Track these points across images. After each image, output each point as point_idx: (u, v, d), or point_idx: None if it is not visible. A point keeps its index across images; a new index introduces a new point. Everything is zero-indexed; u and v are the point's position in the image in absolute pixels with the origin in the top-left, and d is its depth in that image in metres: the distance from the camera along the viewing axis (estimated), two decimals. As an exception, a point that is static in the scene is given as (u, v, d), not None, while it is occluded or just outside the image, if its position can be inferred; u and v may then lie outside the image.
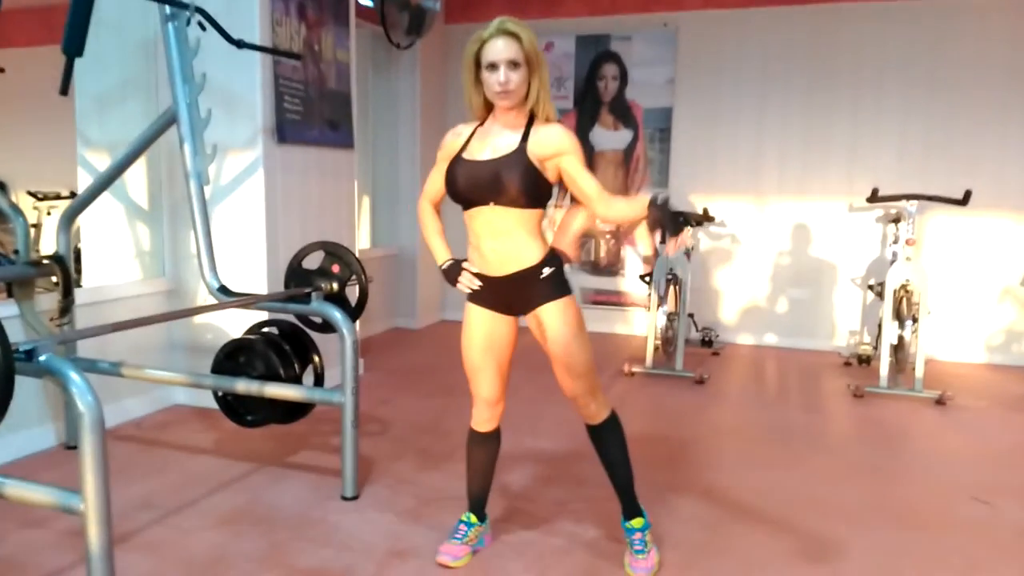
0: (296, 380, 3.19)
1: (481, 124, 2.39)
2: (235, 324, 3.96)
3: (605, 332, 6.45)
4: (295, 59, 4.12)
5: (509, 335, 2.47)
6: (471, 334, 2.47)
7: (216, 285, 3.24)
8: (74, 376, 1.96)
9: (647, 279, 5.48)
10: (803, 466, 3.54)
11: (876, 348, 5.14)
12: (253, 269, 4.07)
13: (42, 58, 4.76)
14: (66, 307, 3.41)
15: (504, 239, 2.32)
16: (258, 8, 3.91)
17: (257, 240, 4.08)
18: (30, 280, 3.34)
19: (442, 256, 2.50)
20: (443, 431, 3.93)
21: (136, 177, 4.21)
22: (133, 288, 4.05)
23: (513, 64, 2.21)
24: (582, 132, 6.34)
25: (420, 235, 6.44)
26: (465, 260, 2.46)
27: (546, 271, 2.35)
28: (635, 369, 5.10)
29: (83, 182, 4.16)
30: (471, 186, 2.31)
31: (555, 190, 2.36)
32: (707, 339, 5.98)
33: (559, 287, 2.36)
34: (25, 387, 2.92)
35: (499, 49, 2.21)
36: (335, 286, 3.31)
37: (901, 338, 4.72)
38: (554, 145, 2.27)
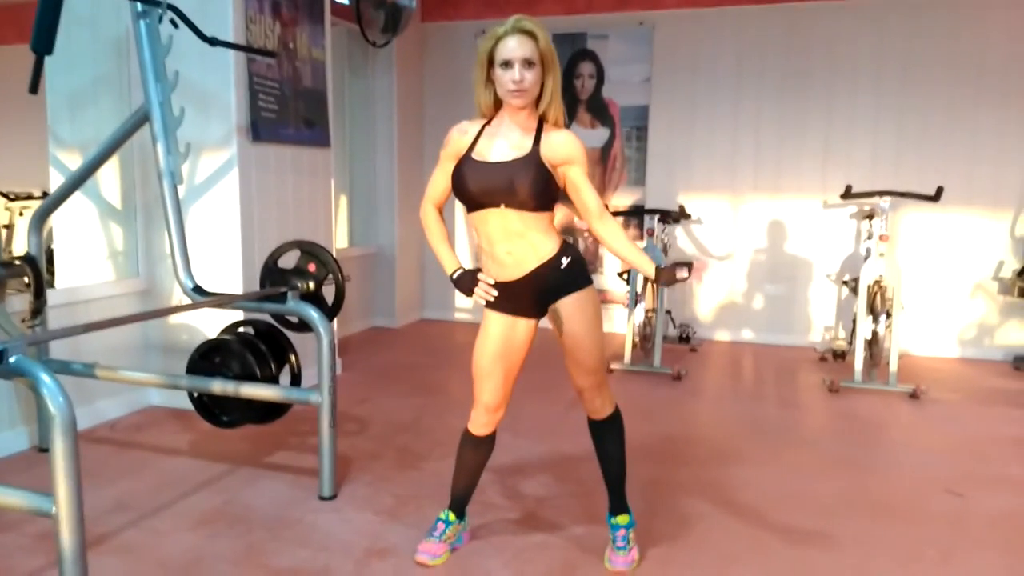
0: (272, 380, 3.17)
1: (488, 123, 2.33)
2: (210, 324, 3.93)
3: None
4: (270, 57, 4.09)
5: (525, 341, 2.44)
6: (486, 339, 2.44)
7: (190, 285, 3.21)
8: (45, 378, 1.94)
9: (625, 277, 5.50)
10: (779, 460, 3.57)
11: (851, 343, 5.19)
12: (228, 269, 4.04)
13: (11, 56, 4.70)
14: (38, 308, 3.37)
15: (517, 240, 2.30)
16: (231, 5, 3.87)
17: (232, 239, 4.04)
18: (1, 281, 3.29)
19: (451, 265, 2.44)
20: (422, 430, 3.92)
21: (109, 176, 4.17)
22: (106, 289, 4.01)
23: (528, 63, 2.18)
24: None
25: (398, 234, 6.50)
26: (477, 270, 2.42)
27: (565, 261, 2.33)
28: (614, 366, 5.11)
29: (55, 182, 4.12)
30: (481, 188, 2.26)
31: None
32: (684, 336, 6.01)
33: (580, 277, 2.35)
34: (-4, 389, 2.89)
35: (514, 47, 2.17)
36: (311, 285, 3.29)
37: (875, 333, 4.78)
38: (565, 153, 2.26)
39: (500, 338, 2.42)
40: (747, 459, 3.59)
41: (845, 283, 5.61)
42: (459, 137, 2.35)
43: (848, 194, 5.20)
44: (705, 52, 6.06)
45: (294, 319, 3.30)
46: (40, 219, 3.56)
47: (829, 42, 5.79)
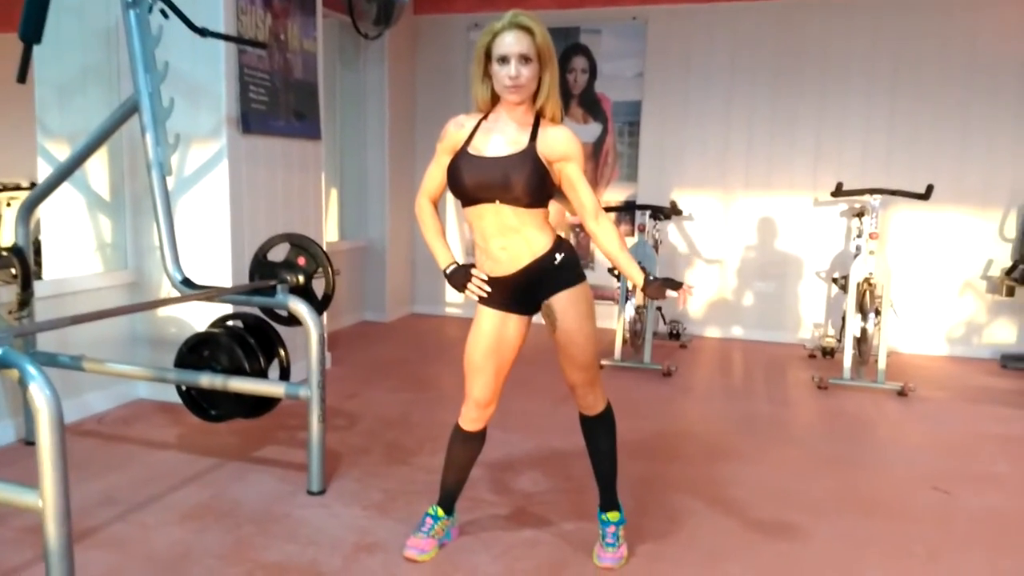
0: (261, 374, 3.15)
1: (485, 117, 2.31)
2: (199, 317, 3.90)
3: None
4: (260, 48, 4.06)
5: (518, 337, 2.43)
6: (479, 334, 2.42)
7: (179, 277, 3.19)
8: (31, 370, 1.92)
9: (616, 273, 5.50)
10: (768, 457, 3.58)
11: (840, 340, 5.21)
12: (217, 261, 4.02)
13: (-1, 45, 4.65)
14: (25, 300, 3.34)
15: (512, 236, 2.29)
16: (222, -4, 3.85)
17: (221, 232, 4.02)
18: (-13, 272, 3.27)
19: (445, 259, 2.43)
20: (411, 425, 3.91)
21: (97, 167, 4.13)
22: (94, 281, 3.98)
23: (525, 58, 2.16)
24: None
25: (389, 228, 6.48)
26: (471, 265, 2.41)
27: (559, 257, 2.33)
28: (604, 362, 5.12)
29: (43, 172, 4.08)
30: (477, 183, 2.25)
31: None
32: (675, 332, 6.02)
33: (573, 273, 2.36)
34: (-19, 382, 2.86)
35: (511, 42, 2.16)
36: (301, 279, 3.27)
37: (864, 331, 4.79)
38: (562, 149, 2.25)
39: (492, 334, 2.41)
40: (736, 456, 3.60)
41: (835, 280, 5.63)
42: (455, 131, 2.33)
43: (839, 192, 5.21)
44: (698, 48, 6.06)
45: (283, 313, 3.28)
46: (28, 210, 3.53)
47: (822, 40, 5.80)
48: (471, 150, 2.28)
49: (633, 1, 6.13)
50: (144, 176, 3.49)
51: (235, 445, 3.55)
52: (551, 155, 2.25)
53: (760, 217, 6.11)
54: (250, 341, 3.16)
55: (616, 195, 6.34)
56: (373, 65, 6.27)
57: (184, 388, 3.21)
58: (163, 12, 3.16)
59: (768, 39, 5.90)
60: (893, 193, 4.99)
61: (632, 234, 5.75)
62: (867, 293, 4.81)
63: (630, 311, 5.18)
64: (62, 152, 4.01)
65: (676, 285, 2.33)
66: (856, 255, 5.06)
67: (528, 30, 2.17)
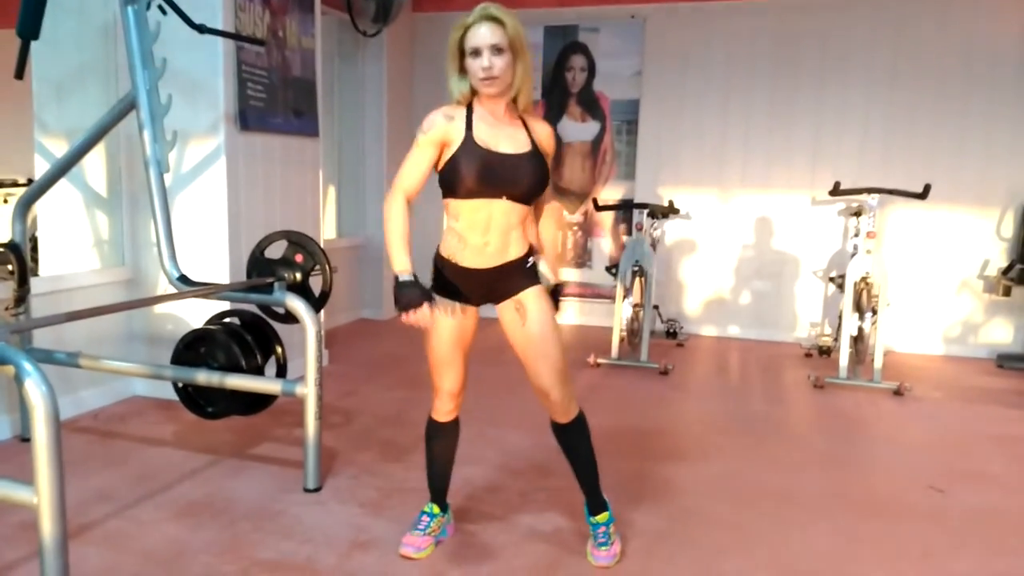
0: (258, 371, 3.16)
1: (471, 110, 2.27)
2: (196, 314, 3.90)
3: (571, 324, 6.48)
4: (259, 45, 4.06)
5: (474, 327, 2.46)
6: (441, 329, 2.40)
7: (176, 274, 3.19)
8: (28, 366, 1.92)
9: (612, 271, 5.51)
10: (764, 455, 3.59)
11: (836, 340, 5.22)
12: (214, 258, 4.02)
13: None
14: (21, 296, 3.34)
15: (502, 233, 2.29)
16: (221, -7, 3.84)
17: (219, 229, 4.02)
18: (-16, 268, 3.26)
19: (403, 265, 2.25)
20: (407, 423, 3.92)
21: (95, 164, 4.13)
22: (91, 277, 3.98)
23: (497, 49, 2.17)
24: (550, 123, 6.33)
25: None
26: (432, 289, 2.35)
27: (531, 260, 2.39)
28: (600, 360, 5.12)
29: (40, 169, 4.07)
30: (487, 178, 2.21)
31: None
32: (672, 330, 6.03)
33: (536, 277, 2.40)
34: (-23, 378, 2.86)
35: (483, 35, 2.16)
36: (298, 276, 3.27)
37: (861, 330, 4.80)
38: (549, 145, 2.37)
39: (456, 326, 2.41)
40: (732, 454, 3.60)
41: (832, 279, 5.63)
42: (446, 123, 2.25)
43: (836, 191, 5.21)
44: (696, 46, 6.06)
45: (281, 310, 3.28)
46: (25, 206, 3.53)
47: (819, 39, 5.80)
48: (479, 143, 2.22)
49: (631, 0, 6.13)
50: (141, 173, 3.49)
51: (231, 442, 3.55)
52: (546, 151, 2.35)
53: (757, 216, 6.12)
54: (247, 338, 3.16)
55: (614, 193, 6.34)
56: (371, 62, 6.26)
57: (181, 385, 3.21)
58: (161, 8, 3.16)
59: (766, 38, 5.90)
60: (890, 192, 4.99)
61: (630, 232, 5.75)
62: (864, 292, 4.82)
63: (627, 310, 5.18)
64: (59, 148, 4.00)
65: (558, 287, 2.51)
66: (853, 254, 5.07)
67: (499, 21, 2.17)
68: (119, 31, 3.61)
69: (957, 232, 5.73)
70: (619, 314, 5.17)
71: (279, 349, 3.25)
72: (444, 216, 2.37)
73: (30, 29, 2.93)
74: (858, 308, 4.81)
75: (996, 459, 3.64)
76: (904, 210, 5.71)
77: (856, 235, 5.22)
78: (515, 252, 2.34)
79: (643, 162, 6.28)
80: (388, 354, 5.39)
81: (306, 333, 2.98)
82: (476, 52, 2.18)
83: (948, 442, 3.87)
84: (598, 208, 5.82)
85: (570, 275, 6.49)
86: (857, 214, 5.23)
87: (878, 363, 4.73)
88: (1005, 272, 5.49)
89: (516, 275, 2.36)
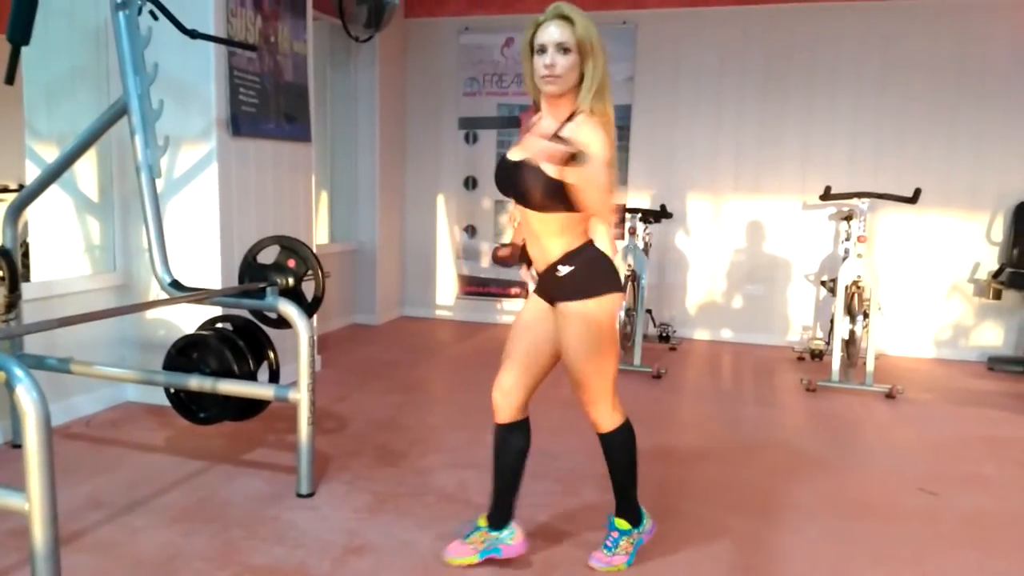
0: (251, 376, 3.15)
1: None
2: (188, 320, 3.89)
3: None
4: (250, 50, 4.06)
5: (545, 331, 2.36)
6: (518, 316, 2.44)
7: (168, 280, 3.19)
8: (19, 372, 1.91)
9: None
10: (756, 459, 3.60)
11: (828, 343, 5.24)
12: (206, 264, 4.01)
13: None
14: (12, 302, 3.31)
15: (534, 239, 2.29)
16: (212, -2, 3.84)
17: (211, 234, 4.01)
18: (-26, 274, 3.25)
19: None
20: (401, 428, 3.91)
21: (86, 169, 4.11)
22: (83, 283, 3.96)
23: (563, 48, 2.12)
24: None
25: (379, 231, 6.47)
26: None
27: (563, 270, 2.24)
28: (593, 364, 5.12)
29: (31, 174, 4.05)
30: (498, 184, 2.30)
31: None
32: (664, 335, 6.04)
33: (580, 287, 2.24)
34: (-32, 384, 2.83)
35: (551, 32, 2.13)
36: (291, 281, 3.27)
37: (852, 333, 4.81)
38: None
39: (528, 313, 2.41)
40: (724, 457, 3.61)
41: (823, 283, 5.66)
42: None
43: (827, 195, 5.24)
44: (687, 52, 6.08)
45: (273, 315, 3.28)
46: (15, 212, 3.51)
47: (810, 44, 5.83)
48: (508, 151, 2.29)
49: (623, 5, 6.15)
50: (133, 178, 3.48)
51: (224, 448, 3.54)
52: None
53: (749, 220, 6.13)
54: (239, 344, 3.15)
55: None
56: (364, 68, 6.26)
57: (173, 391, 3.20)
58: (152, 14, 3.16)
59: (757, 43, 5.93)
60: (881, 197, 5.02)
61: (622, 237, 5.76)
62: (855, 296, 4.84)
63: (620, 314, 5.18)
64: (51, 154, 3.99)
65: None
66: (844, 258, 5.09)
67: (568, 20, 2.13)
68: (110, 36, 3.60)
69: (947, 236, 5.76)
70: (612, 318, 5.16)
71: (271, 354, 3.25)
72: None
73: (21, 34, 2.92)
74: (849, 312, 4.83)
75: (988, 461, 3.66)
76: (895, 214, 5.73)
77: (847, 239, 5.24)
78: (550, 258, 2.28)
79: (635, 167, 6.29)
80: (381, 359, 5.38)
81: (299, 338, 2.97)
82: (542, 49, 2.15)
83: (940, 445, 3.89)
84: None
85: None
86: (848, 218, 5.25)
87: (870, 366, 4.75)
88: (995, 275, 5.52)
89: (551, 286, 2.30)
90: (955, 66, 5.58)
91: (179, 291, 3.16)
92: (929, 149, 5.70)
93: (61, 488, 1.99)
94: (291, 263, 3.28)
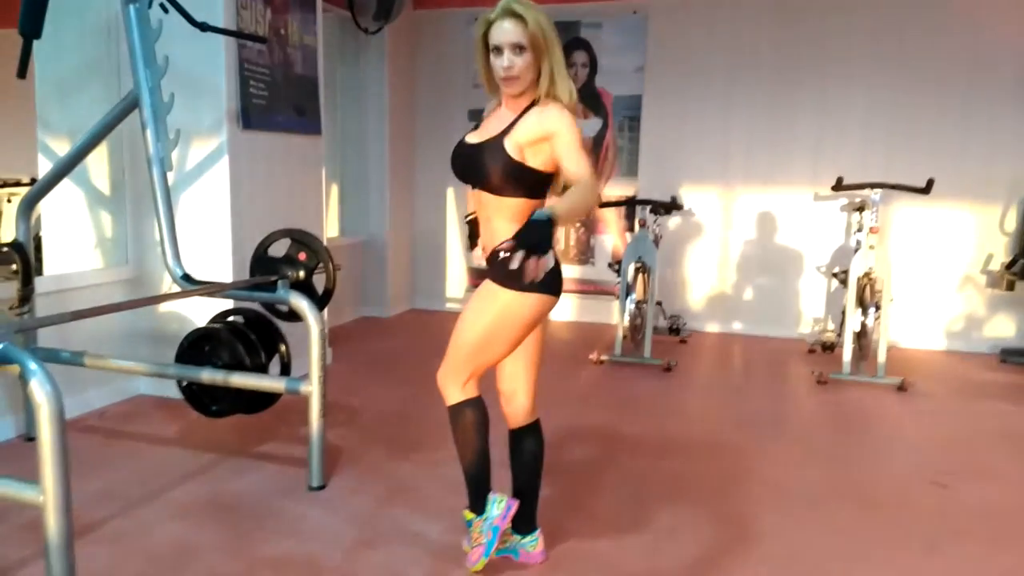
0: (262, 369, 3.16)
1: (500, 103, 2.28)
2: (200, 313, 3.90)
3: (574, 321, 6.48)
4: (261, 43, 4.06)
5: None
6: None
7: (180, 273, 3.20)
8: (32, 365, 1.93)
9: (616, 267, 5.50)
10: (767, 451, 3.59)
11: (840, 335, 5.21)
12: (218, 257, 4.02)
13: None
14: (26, 296, 3.34)
15: (486, 223, 2.29)
16: (222, -9, 3.84)
17: (222, 227, 4.02)
18: (-12, 268, 3.27)
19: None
20: (412, 420, 3.92)
21: (98, 163, 4.13)
22: (95, 276, 3.99)
23: (518, 48, 2.10)
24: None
25: (389, 223, 6.47)
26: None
27: (500, 254, 2.04)
28: (604, 357, 5.12)
29: (43, 168, 4.07)
30: (455, 168, 2.31)
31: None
32: (675, 327, 6.02)
33: (501, 273, 2.19)
34: (-18, 377, 2.86)
35: (503, 31, 2.10)
36: (302, 274, 3.28)
37: (864, 325, 4.79)
38: (541, 129, 2.12)
39: None
40: (735, 450, 3.60)
41: (835, 275, 5.63)
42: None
43: (839, 186, 5.20)
44: (698, 42, 6.04)
45: (284, 308, 3.29)
46: (28, 206, 3.53)
47: (822, 33, 5.78)
48: (467, 135, 2.31)
49: (633, -5, 6.12)
50: (144, 171, 3.49)
51: (235, 441, 3.56)
52: (528, 137, 2.13)
53: (760, 212, 6.10)
54: (251, 337, 3.17)
55: (616, 190, 6.33)
56: (373, 60, 6.26)
57: (185, 384, 3.22)
58: (163, 6, 3.16)
59: (768, 33, 5.88)
60: (893, 187, 4.98)
61: (633, 229, 5.74)
62: (867, 288, 4.81)
63: (631, 306, 5.18)
64: (62, 148, 4.00)
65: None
66: (856, 250, 5.06)
67: (520, 17, 2.09)
68: (121, 30, 3.60)
69: (960, 227, 5.72)
70: (622, 311, 5.17)
71: (283, 347, 3.26)
72: None
73: (32, 28, 2.93)
74: (861, 304, 4.81)
75: (999, 454, 3.64)
76: (907, 205, 5.69)
77: (859, 230, 5.20)
78: (495, 242, 2.22)
79: (646, 158, 6.27)
80: (392, 352, 5.39)
81: (310, 331, 2.98)
82: (497, 50, 2.13)
83: (951, 437, 3.87)
84: (601, 205, 5.80)
85: (573, 272, 6.48)
86: (860, 209, 5.22)
87: (881, 358, 4.72)
88: (1008, 267, 5.48)
89: (491, 264, 2.28)
90: (968, 56, 5.53)
91: (191, 284, 3.18)
92: (942, 139, 5.65)
93: (74, 481, 2.01)
94: (302, 256, 3.29)
